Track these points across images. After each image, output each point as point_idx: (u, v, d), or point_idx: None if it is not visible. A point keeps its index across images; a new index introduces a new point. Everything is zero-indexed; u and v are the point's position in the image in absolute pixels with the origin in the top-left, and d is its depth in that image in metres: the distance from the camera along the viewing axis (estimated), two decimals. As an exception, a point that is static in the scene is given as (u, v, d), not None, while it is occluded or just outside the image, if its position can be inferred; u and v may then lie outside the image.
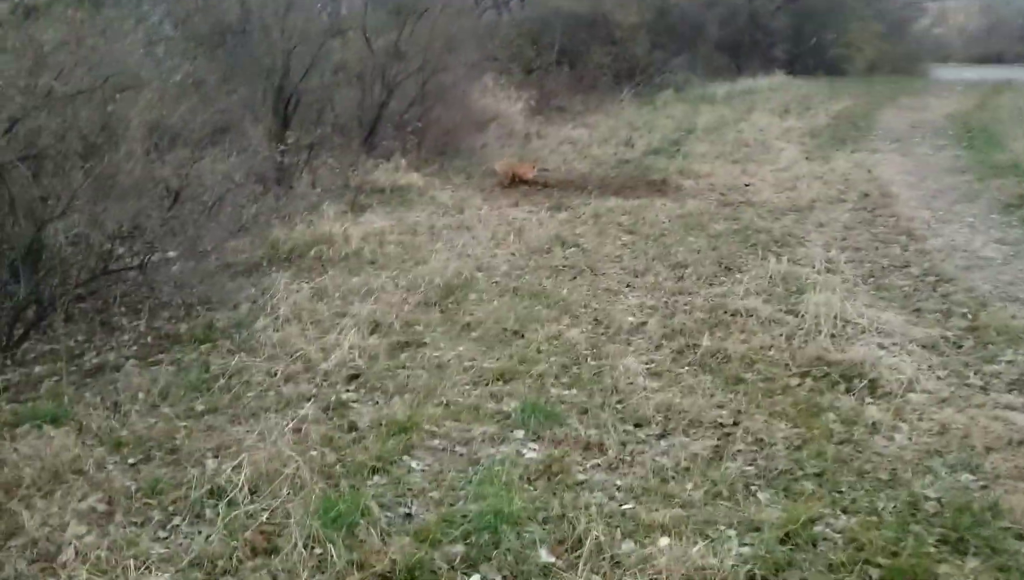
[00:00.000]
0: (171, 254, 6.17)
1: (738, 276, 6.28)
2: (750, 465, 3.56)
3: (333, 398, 4.28)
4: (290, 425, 3.92)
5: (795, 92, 19.59)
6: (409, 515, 3.23)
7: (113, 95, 5.88)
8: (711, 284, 6.16)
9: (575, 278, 6.44)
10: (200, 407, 4.24)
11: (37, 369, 4.79)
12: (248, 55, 10.06)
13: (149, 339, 5.27)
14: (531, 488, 3.37)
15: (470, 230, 8.03)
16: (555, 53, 19.49)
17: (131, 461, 3.69)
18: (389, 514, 3.22)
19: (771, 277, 6.10)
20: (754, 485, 3.39)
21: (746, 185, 9.74)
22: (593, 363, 4.67)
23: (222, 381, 4.47)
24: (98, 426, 3.95)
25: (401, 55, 13.07)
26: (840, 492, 3.32)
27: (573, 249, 7.27)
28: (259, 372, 4.54)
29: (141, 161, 5.81)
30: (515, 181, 10.04)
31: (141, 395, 4.31)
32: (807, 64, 24.31)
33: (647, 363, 4.65)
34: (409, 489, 3.41)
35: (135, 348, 5.15)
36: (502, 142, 13.82)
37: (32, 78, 4.87)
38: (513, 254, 7.16)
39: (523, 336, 5.10)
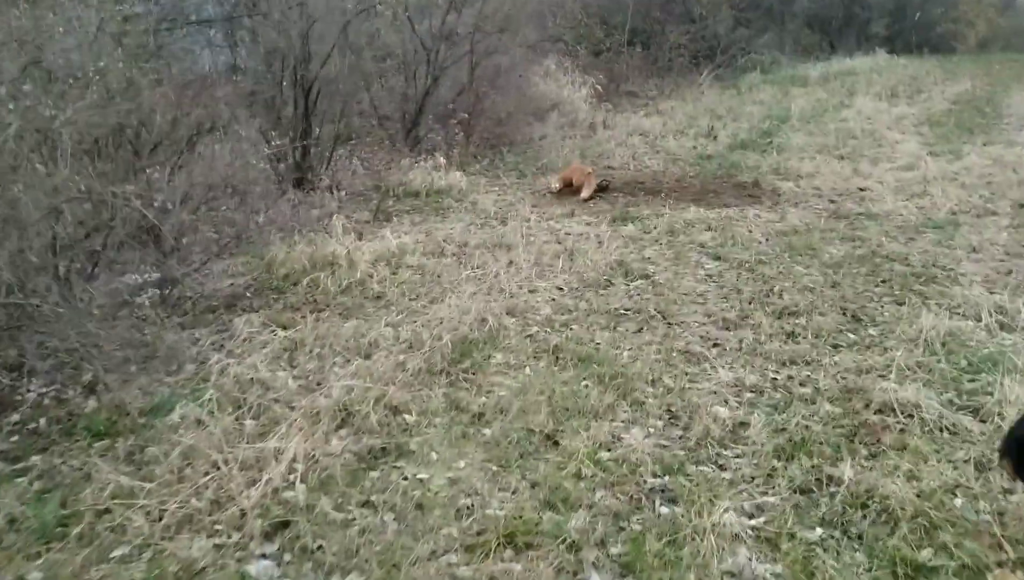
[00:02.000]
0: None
1: (872, 332, 4.37)
2: None
3: (233, 567, 2.61)
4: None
5: (901, 73, 17.05)
6: None
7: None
8: (836, 346, 4.25)
9: (641, 330, 4.61)
10: (34, 576, 2.63)
11: None
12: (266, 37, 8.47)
13: (40, 422, 3.70)
14: None
15: (510, 250, 6.25)
16: (626, 33, 17.44)
17: None
18: None
19: (925, 339, 4.15)
20: None
21: (861, 190, 7.66)
22: (665, 513, 2.86)
23: (84, 524, 2.84)
24: None
25: (449, 36, 11.36)
26: None
27: (640, 282, 5.43)
28: (139, 513, 2.88)
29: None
30: (572, 190, 8.18)
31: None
32: (909, 41, 21.52)
33: (753, 517, 2.81)
34: None
35: (15, 438, 3.58)
36: (563, 133, 11.96)
37: None
38: (560, 289, 5.37)
39: (558, 443, 3.32)
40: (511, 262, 5.90)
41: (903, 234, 6.18)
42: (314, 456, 3.19)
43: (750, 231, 6.44)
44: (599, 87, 13.95)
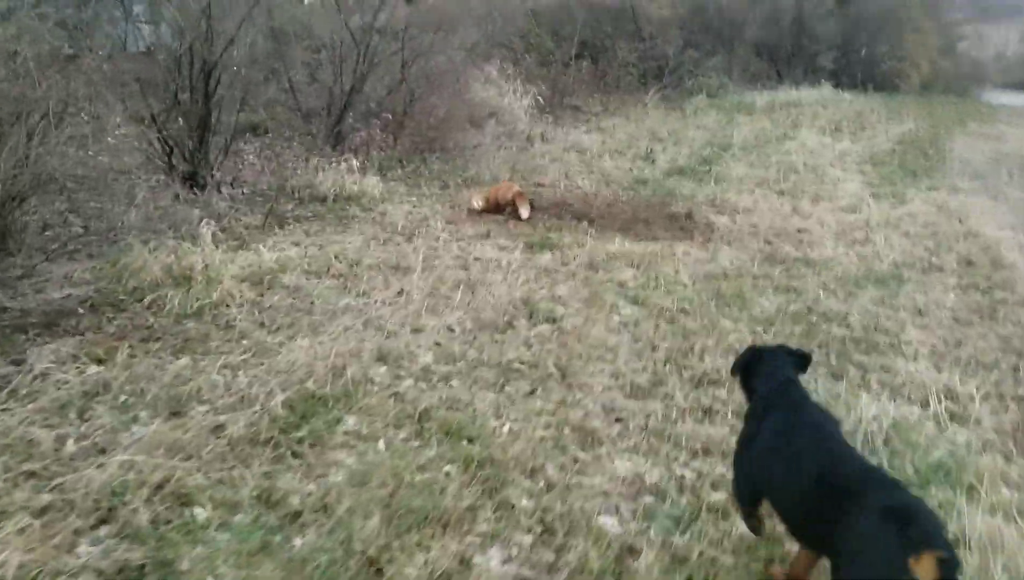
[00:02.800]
0: None
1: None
2: None
3: None
4: None
5: (846, 108, 16.70)
6: None
7: None
8: (760, 431, 3.47)
9: (533, 392, 3.79)
10: None
11: None
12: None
13: None
14: None
15: (407, 274, 5.38)
16: (575, 45, 16.72)
17: None
18: None
19: (866, 431, 3.41)
20: None
21: (800, 231, 7.00)
22: None
23: None
24: None
25: (383, 29, 10.42)
26: None
27: (544, 327, 4.60)
28: None
29: None
30: (500, 210, 7.32)
31: None
32: (855, 76, 21.33)
33: None
34: None
35: None
36: (499, 143, 11.13)
37: None
38: (451, 329, 4.51)
39: (381, 572, 2.45)
40: (402, 291, 5.03)
41: (842, 288, 5.49)
42: (37, 575, 2.26)
43: (676, 271, 5.69)
44: (540, 98, 13.17)
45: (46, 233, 5.62)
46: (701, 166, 9.68)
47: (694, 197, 8.11)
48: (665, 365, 4.16)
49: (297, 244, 6.08)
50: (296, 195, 7.59)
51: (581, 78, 16.56)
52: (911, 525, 1.85)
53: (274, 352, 3.99)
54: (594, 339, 4.45)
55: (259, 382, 3.58)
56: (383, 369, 3.93)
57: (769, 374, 2.63)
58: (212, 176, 7.50)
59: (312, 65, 10.73)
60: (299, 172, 8.10)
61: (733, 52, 19.38)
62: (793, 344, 4.17)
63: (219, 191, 7.23)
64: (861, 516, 1.92)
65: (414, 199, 7.88)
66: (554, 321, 4.70)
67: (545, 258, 5.91)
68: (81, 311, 4.60)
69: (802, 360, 2.76)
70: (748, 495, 2.49)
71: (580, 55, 17.23)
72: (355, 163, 8.19)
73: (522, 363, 4.12)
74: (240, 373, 3.78)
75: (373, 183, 8.04)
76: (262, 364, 3.86)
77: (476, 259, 5.86)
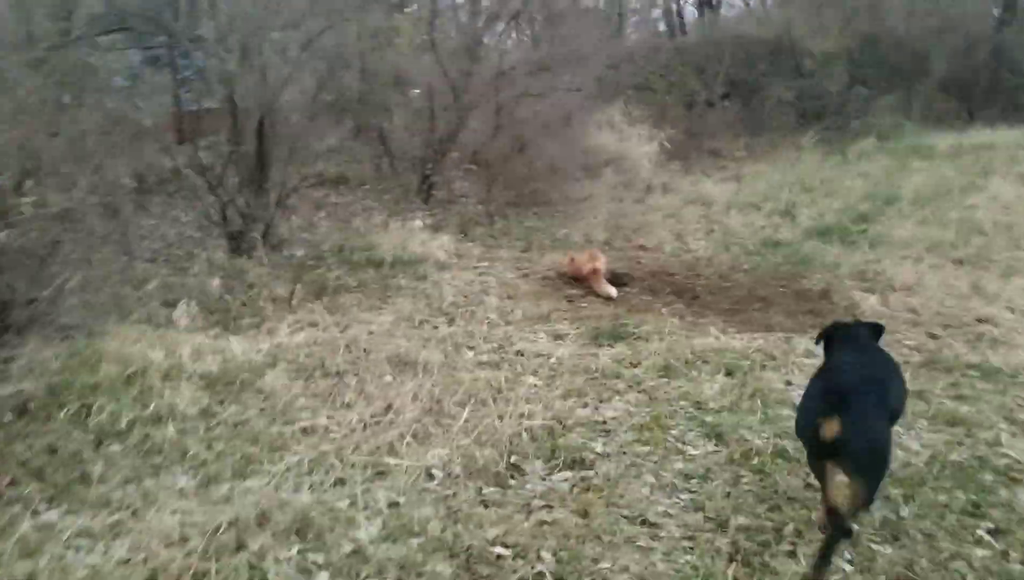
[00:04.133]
0: None
1: None
2: None
3: None
4: None
5: (1056, 150, 13.71)
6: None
7: None
8: None
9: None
10: None
11: None
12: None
13: None
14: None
15: (416, 376, 4.12)
16: (719, 83, 15.02)
17: None
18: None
19: None
20: None
21: (981, 321, 5.05)
22: None
23: None
24: None
25: (479, 58, 9.36)
26: None
27: (565, 476, 3.17)
28: None
29: None
30: (578, 280, 5.98)
31: None
32: (1068, 115, 17.84)
33: None
34: None
35: None
36: (614, 193, 9.74)
37: None
38: (431, 474, 3.18)
39: None
40: (390, 406, 3.75)
41: (1045, 424, 3.61)
42: None
43: (788, 383, 4.03)
44: (667, 143, 11.63)
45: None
46: (855, 225, 7.75)
47: (837, 267, 6.29)
48: (731, 564, 2.58)
49: (315, 325, 5.00)
50: (352, 258, 6.59)
51: (727, 119, 14.80)
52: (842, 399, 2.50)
53: (151, 509, 2.83)
54: (630, 505, 2.95)
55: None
56: (294, 550, 2.65)
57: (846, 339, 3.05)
58: (265, 237, 6.67)
59: (407, 110, 9.85)
60: (362, 230, 7.10)
61: (913, 88, 16.74)
62: (959, 538, 2.51)
63: (276, 250, 6.36)
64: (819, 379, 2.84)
65: (486, 263, 6.68)
66: (583, 465, 3.24)
67: (606, 356, 4.44)
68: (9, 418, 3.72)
69: (876, 329, 3.15)
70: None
71: (727, 94, 15.51)
72: (423, 221, 7.10)
73: (507, 548, 2.71)
74: (99, 545, 2.65)
75: (443, 243, 6.92)
76: (129, 532, 2.71)
77: (518, 353, 4.51)
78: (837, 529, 2.48)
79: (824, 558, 2.43)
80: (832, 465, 2.52)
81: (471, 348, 4.57)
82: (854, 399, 2.51)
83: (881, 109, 15.37)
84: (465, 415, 3.64)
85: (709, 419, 3.64)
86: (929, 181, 9.67)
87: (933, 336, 4.81)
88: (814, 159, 12.14)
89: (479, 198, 9.15)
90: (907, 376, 4.02)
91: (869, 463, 2.49)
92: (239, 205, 6.58)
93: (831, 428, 2.44)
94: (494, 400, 3.81)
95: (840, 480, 2.51)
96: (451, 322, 5.09)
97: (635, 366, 4.30)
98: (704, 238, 7.42)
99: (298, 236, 7.14)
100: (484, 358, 4.43)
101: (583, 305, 5.46)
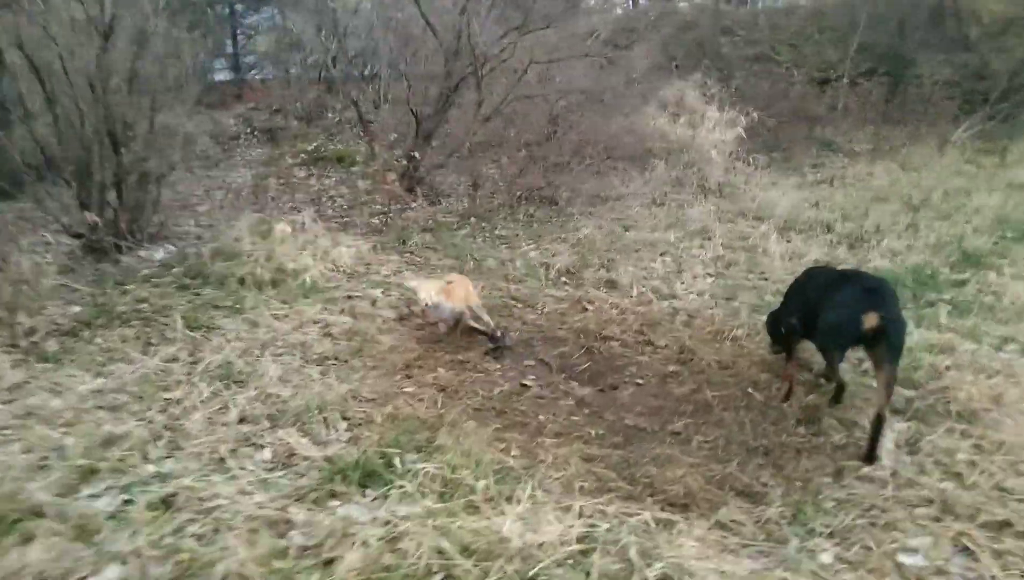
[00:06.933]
0: None
1: None
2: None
3: None
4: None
5: None
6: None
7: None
8: None
9: None
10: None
11: None
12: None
13: None
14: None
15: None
16: (860, 58, 11.87)
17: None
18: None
19: None
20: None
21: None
22: None
23: None
24: None
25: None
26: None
27: None
28: None
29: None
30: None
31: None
32: None
33: None
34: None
35: None
36: (655, 194, 7.42)
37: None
38: None
39: None
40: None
41: None
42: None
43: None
44: (764, 126, 9.00)
45: None
46: (954, 270, 5.04)
47: (911, 353, 3.78)
48: None
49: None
50: (204, 270, 4.91)
51: (860, 101, 11.68)
52: (873, 295, 2.90)
53: None
54: None
55: None
56: None
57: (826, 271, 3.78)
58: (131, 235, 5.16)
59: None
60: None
61: None
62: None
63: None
64: (847, 288, 3.03)
65: (377, 291, 4.75)
66: None
67: (301, 534, 2.43)
68: None
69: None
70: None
71: (874, 70, 12.30)
72: (301, 218, 5.29)
73: None
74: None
75: (343, 255, 5.10)
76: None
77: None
78: (879, 420, 2.85)
79: (874, 444, 2.84)
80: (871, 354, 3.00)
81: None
82: (887, 296, 2.97)
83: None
84: None
85: None
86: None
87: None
88: (958, 160, 9.01)
89: (466, 193, 7.19)
90: None
91: (900, 348, 2.93)
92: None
93: (871, 320, 2.82)
94: None
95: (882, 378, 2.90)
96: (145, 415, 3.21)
97: None
98: (712, 276, 5.05)
99: (173, 228, 5.57)
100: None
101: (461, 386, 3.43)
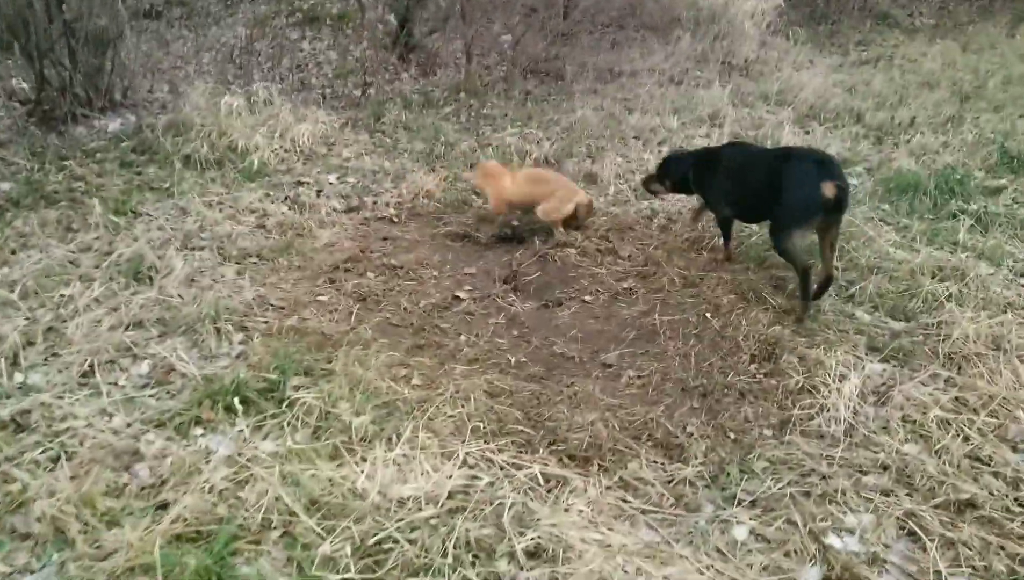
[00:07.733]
0: None
1: None
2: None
3: None
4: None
5: None
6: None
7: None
8: None
9: None
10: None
11: None
12: None
13: None
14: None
15: None
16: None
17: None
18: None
19: None
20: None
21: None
22: None
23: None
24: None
25: None
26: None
27: None
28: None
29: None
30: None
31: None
32: None
33: None
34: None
35: None
36: (673, 72, 6.68)
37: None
38: None
39: None
40: None
41: None
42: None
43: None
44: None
45: None
46: (990, 175, 4.35)
47: (895, 269, 3.27)
48: None
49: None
50: (152, 146, 4.52)
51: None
52: (826, 166, 2.85)
53: None
54: None
55: None
56: None
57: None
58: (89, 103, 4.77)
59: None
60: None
61: None
62: None
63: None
64: (799, 164, 2.93)
65: (332, 176, 4.32)
66: None
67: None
68: None
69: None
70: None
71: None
72: (255, 88, 4.82)
73: None
74: None
75: (303, 132, 4.65)
76: None
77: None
78: (828, 280, 2.98)
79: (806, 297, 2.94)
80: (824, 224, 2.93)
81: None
82: (836, 164, 2.96)
83: None
84: None
85: None
86: None
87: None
88: (1031, 38, 7.91)
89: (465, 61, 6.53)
90: None
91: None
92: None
93: (830, 189, 2.81)
94: None
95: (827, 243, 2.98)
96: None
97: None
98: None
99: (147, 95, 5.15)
100: None
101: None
